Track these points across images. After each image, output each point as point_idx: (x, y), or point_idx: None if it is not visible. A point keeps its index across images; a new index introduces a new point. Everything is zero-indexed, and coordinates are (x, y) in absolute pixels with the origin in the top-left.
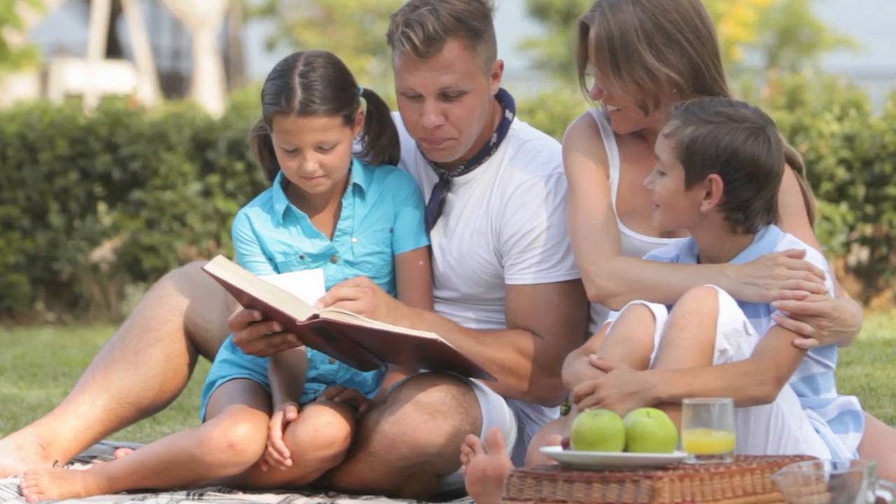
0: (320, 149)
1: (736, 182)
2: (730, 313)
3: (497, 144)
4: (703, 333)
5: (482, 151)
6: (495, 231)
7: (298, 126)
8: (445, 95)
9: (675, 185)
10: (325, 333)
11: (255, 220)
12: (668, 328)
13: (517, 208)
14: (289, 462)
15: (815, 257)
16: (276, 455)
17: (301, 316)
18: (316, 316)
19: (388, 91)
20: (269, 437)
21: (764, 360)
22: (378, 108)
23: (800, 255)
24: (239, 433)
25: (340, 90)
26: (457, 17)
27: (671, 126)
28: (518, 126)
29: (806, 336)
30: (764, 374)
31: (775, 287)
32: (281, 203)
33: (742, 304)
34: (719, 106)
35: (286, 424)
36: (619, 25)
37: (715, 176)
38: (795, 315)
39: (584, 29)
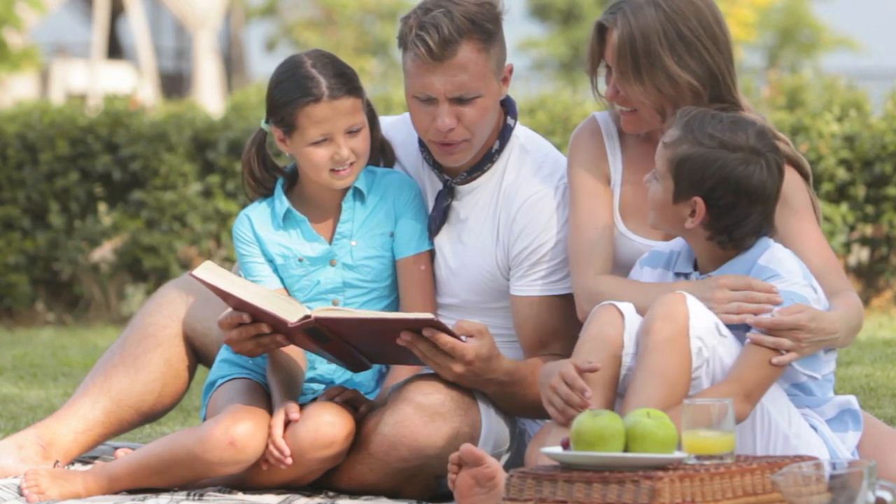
0: (350, 133)
1: (719, 208)
2: (700, 316)
3: (500, 151)
4: (677, 337)
5: (485, 158)
6: (503, 245)
7: (332, 109)
8: (460, 99)
9: (664, 195)
10: (316, 335)
11: (256, 222)
12: (643, 336)
13: (527, 222)
14: (289, 461)
15: (793, 271)
16: (276, 454)
17: (292, 317)
18: (307, 316)
19: (388, 92)
20: (270, 435)
21: (728, 382)
22: (367, 105)
23: (741, 286)
24: (240, 431)
25: (351, 75)
26: (470, 19)
27: (671, 136)
28: (519, 132)
29: (786, 349)
30: (728, 396)
31: (716, 311)
32: (282, 205)
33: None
34: (719, 127)
35: (287, 423)
36: (642, 30)
37: (698, 199)
38: (772, 330)
39: (601, 30)
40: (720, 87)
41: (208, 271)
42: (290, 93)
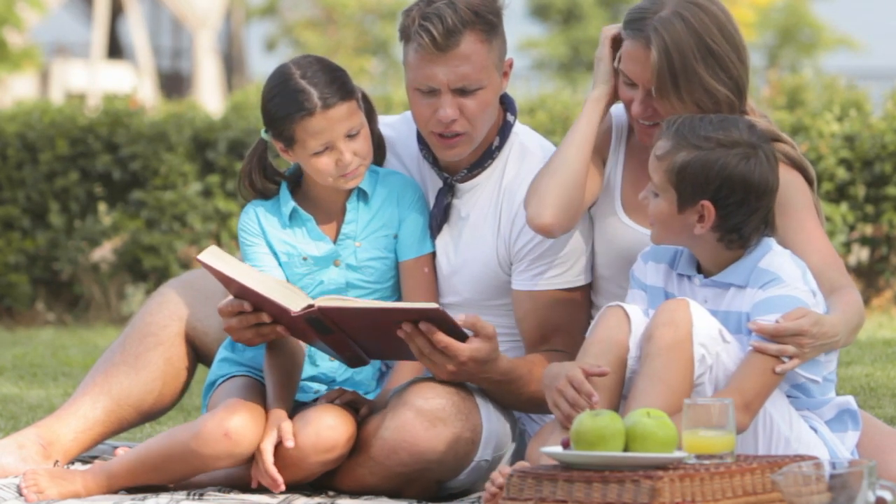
0: (349, 137)
1: (728, 207)
2: (703, 322)
3: (500, 148)
4: (679, 344)
5: (485, 155)
6: (505, 241)
7: (327, 120)
8: (462, 90)
9: (668, 207)
10: (317, 325)
11: (262, 217)
12: (646, 341)
13: None
14: (282, 487)
15: (793, 275)
16: (267, 480)
17: (295, 306)
18: (311, 306)
19: (388, 92)
20: (261, 461)
21: (727, 392)
22: (366, 101)
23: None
24: (234, 423)
25: (342, 77)
26: (474, 11)
27: (662, 148)
28: (519, 129)
29: (790, 356)
30: None
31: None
32: (287, 205)
33: (725, 323)
34: (710, 129)
35: (279, 443)
36: (677, 45)
37: (706, 202)
38: (775, 337)
39: (617, 41)
40: (743, 98)
41: (214, 256)
42: (283, 108)
